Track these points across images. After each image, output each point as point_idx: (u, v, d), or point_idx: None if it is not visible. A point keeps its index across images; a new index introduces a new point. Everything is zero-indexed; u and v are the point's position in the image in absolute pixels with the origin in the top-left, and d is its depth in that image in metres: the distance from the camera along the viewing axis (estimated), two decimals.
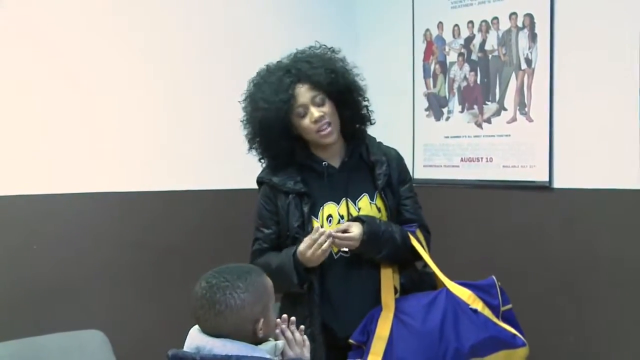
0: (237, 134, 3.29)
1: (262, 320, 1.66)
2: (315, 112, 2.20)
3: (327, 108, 2.23)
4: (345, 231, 2.16)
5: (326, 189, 2.26)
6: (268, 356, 1.63)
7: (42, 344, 2.47)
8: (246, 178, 3.21)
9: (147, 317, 3.01)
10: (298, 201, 2.22)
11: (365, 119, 2.36)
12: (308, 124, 2.22)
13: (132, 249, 3.00)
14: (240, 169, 3.27)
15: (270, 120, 2.21)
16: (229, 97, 3.28)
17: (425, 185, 3.44)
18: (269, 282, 1.74)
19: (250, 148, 2.34)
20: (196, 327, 1.69)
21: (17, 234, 2.74)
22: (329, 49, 2.32)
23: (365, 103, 2.34)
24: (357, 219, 2.22)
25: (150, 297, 3.04)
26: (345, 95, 2.28)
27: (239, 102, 2.34)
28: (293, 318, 1.81)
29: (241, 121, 2.34)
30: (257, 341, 1.66)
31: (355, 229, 2.17)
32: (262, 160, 2.36)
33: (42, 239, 2.79)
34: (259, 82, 2.30)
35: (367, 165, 2.32)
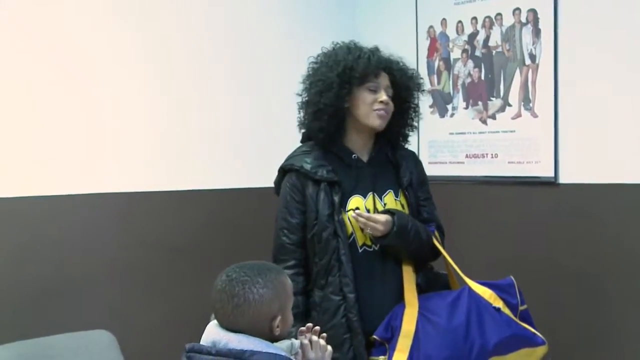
0: (243, 135, 3.32)
1: (279, 317, 1.66)
2: (384, 95, 2.27)
3: (392, 104, 2.30)
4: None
5: (354, 181, 2.29)
6: (283, 353, 1.63)
7: (50, 344, 2.47)
8: (252, 177, 3.24)
9: (154, 317, 3.01)
10: (329, 190, 2.23)
11: (404, 138, 2.45)
12: (372, 100, 2.26)
13: (138, 249, 3.01)
14: (246, 168, 3.31)
15: (357, 72, 2.23)
16: (233, 97, 3.32)
17: (430, 182, 3.42)
18: (288, 281, 1.74)
19: (311, 94, 2.31)
20: (214, 321, 1.69)
21: (22, 235, 2.74)
22: (415, 70, 2.46)
23: (413, 128, 2.44)
24: (386, 211, 2.24)
25: (157, 297, 3.04)
26: (406, 110, 2.37)
27: (311, 57, 2.36)
28: (317, 327, 1.81)
29: (311, 67, 2.33)
30: (273, 339, 1.66)
31: (382, 216, 2.20)
32: (310, 119, 2.32)
33: (47, 240, 2.80)
34: (349, 46, 2.33)
35: (391, 163, 2.37)
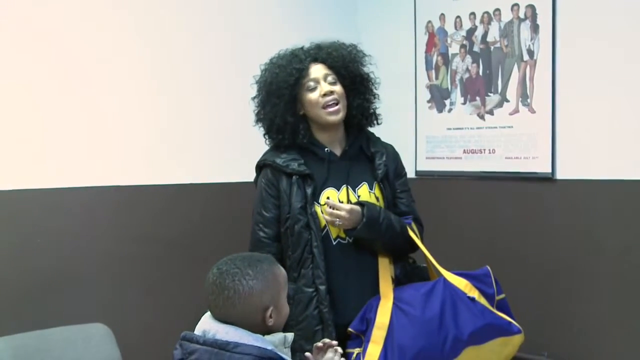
0: (239, 128, 3.32)
1: (271, 308, 1.67)
2: (325, 86, 2.24)
3: (338, 88, 2.26)
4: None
5: (327, 174, 2.29)
6: (270, 347, 1.63)
7: (47, 337, 2.48)
8: (249, 171, 3.23)
9: (150, 310, 3.02)
10: (301, 183, 2.24)
11: (371, 117, 2.40)
12: (316, 97, 2.24)
13: (135, 242, 3.01)
14: (242, 162, 3.28)
15: (280, 86, 2.23)
16: (232, 91, 3.32)
17: (427, 177, 3.44)
18: (281, 271, 1.75)
19: (257, 121, 2.35)
20: (208, 312, 1.71)
21: (20, 228, 2.74)
22: (352, 44, 2.37)
23: (375, 103, 2.39)
24: (357, 203, 2.24)
25: (153, 290, 3.05)
26: (357, 83, 2.32)
27: (254, 76, 2.37)
28: (335, 342, 1.83)
29: (252, 99, 2.36)
30: (267, 331, 1.68)
31: (347, 205, 2.19)
32: (267, 137, 2.37)
33: (46, 233, 2.80)
34: (277, 58, 2.33)
35: (366, 156, 2.37)
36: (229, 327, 1.63)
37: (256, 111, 2.35)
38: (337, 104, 2.25)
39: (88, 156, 2.91)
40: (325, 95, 2.23)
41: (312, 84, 2.25)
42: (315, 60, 2.28)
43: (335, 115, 2.25)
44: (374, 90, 2.38)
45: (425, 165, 3.47)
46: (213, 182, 3.23)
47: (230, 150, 3.30)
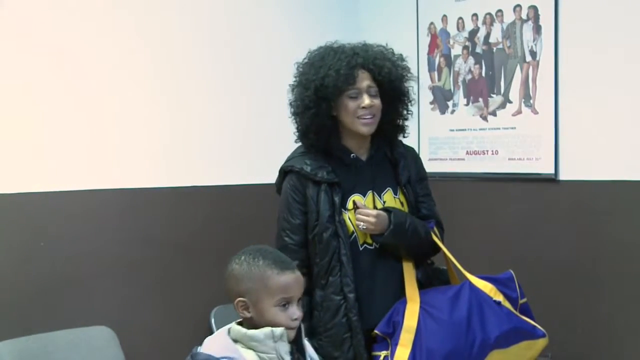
0: (245, 131, 3.33)
1: (242, 299, 1.69)
2: (367, 99, 2.22)
3: (377, 102, 2.25)
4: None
5: (353, 180, 2.29)
6: (232, 355, 1.65)
7: (51, 340, 2.50)
8: (253, 174, 3.25)
9: (154, 313, 3.01)
10: (329, 191, 2.23)
11: (401, 130, 2.40)
12: (355, 107, 2.23)
13: (139, 245, 3.01)
14: (247, 164, 3.31)
15: (329, 89, 2.20)
16: (234, 94, 3.32)
17: (430, 179, 3.39)
18: (278, 277, 1.72)
19: (294, 114, 2.30)
20: None
21: (25, 231, 2.75)
22: (399, 55, 2.35)
23: (408, 115, 2.38)
24: (384, 209, 2.25)
25: (157, 294, 3.05)
26: (396, 100, 2.32)
27: (295, 64, 2.32)
28: None
29: (292, 85, 2.32)
30: (253, 324, 1.69)
31: (374, 210, 2.20)
32: (299, 135, 2.33)
33: (50, 236, 2.80)
34: (325, 54, 2.27)
35: (389, 161, 2.37)
36: (218, 332, 1.70)
37: (296, 104, 2.29)
38: (372, 117, 2.24)
39: (92, 159, 2.91)
40: (364, 107, 2.22)
41: (354, 92, 2.22)
42: (364, 66, 2.24)
43: (369, 127, 2.25)
44: (409, 107, 2.38)
45: (428, 167, 3.39)
46: (217, 184, 3.23)
47: (234, 153, 3.30)
